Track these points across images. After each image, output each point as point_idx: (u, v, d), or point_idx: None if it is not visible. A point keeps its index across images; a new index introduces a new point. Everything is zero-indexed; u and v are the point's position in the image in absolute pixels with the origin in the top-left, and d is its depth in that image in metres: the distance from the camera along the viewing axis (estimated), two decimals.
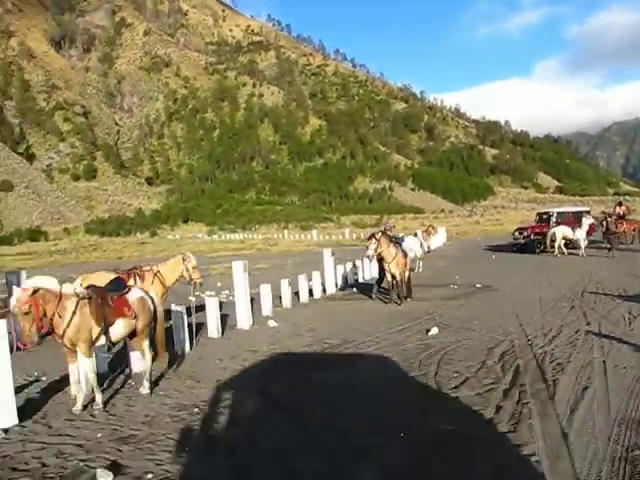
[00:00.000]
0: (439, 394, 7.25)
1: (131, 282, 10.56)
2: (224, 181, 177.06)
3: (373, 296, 16.58)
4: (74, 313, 7.20)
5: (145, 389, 8.03)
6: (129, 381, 8.64)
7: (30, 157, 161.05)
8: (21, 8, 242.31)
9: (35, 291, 6.89)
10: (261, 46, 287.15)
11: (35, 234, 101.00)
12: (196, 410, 7.11)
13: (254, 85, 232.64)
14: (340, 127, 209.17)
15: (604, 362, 8.08)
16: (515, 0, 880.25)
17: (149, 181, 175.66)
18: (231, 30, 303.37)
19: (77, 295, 7.37)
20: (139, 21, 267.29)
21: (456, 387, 7.45)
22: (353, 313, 14.30)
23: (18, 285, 10.65)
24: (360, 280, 21.52)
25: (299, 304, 16.32)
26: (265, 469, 5.34)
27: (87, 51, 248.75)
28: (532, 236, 32.20)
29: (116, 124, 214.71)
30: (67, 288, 7.41)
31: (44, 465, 5.60)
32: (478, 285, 17.98)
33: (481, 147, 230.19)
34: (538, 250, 30.91)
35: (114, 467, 5.43)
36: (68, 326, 7.15)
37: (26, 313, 6.77)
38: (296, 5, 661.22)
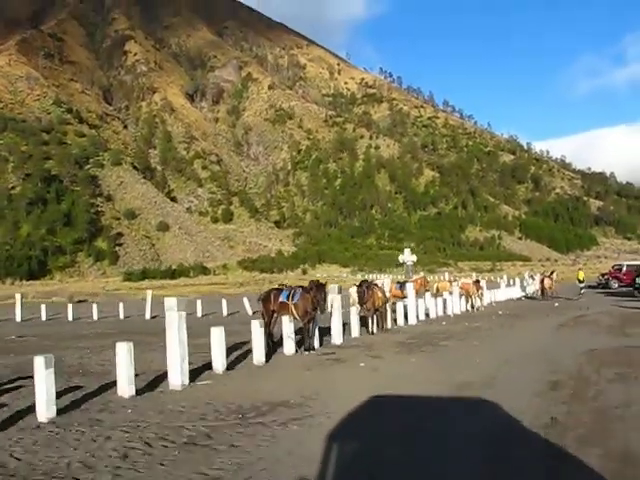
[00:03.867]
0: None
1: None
2: (346, 227, 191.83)
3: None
4: None
5: None
6: None
7: (172, 200, 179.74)
8: (161, 66, 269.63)
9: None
10: (374, 98, 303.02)
11: (202, 269, 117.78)
12: None
13: (370, 137, 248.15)
14: (452, 178, 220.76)
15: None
16: (620, 54, 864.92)
17: (277, 224, 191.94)
18: (346, 83, 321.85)
19: None
20: (264, 76, 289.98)
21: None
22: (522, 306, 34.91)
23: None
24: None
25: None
26: None
27: (216, 103, 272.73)
28: (610, 278, 52.32)
29: (243, 171, 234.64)
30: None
31: None
32: (575, 298, 38.29)
33: (586, 199, 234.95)
34: (614, 287, 49.28)
35: None
36: None
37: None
38: (406, 57, 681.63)
